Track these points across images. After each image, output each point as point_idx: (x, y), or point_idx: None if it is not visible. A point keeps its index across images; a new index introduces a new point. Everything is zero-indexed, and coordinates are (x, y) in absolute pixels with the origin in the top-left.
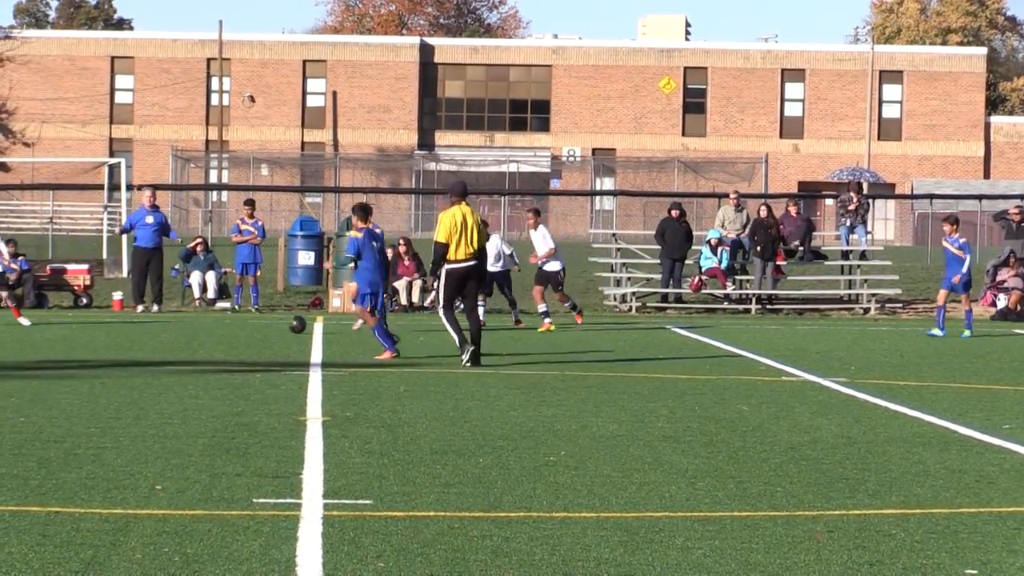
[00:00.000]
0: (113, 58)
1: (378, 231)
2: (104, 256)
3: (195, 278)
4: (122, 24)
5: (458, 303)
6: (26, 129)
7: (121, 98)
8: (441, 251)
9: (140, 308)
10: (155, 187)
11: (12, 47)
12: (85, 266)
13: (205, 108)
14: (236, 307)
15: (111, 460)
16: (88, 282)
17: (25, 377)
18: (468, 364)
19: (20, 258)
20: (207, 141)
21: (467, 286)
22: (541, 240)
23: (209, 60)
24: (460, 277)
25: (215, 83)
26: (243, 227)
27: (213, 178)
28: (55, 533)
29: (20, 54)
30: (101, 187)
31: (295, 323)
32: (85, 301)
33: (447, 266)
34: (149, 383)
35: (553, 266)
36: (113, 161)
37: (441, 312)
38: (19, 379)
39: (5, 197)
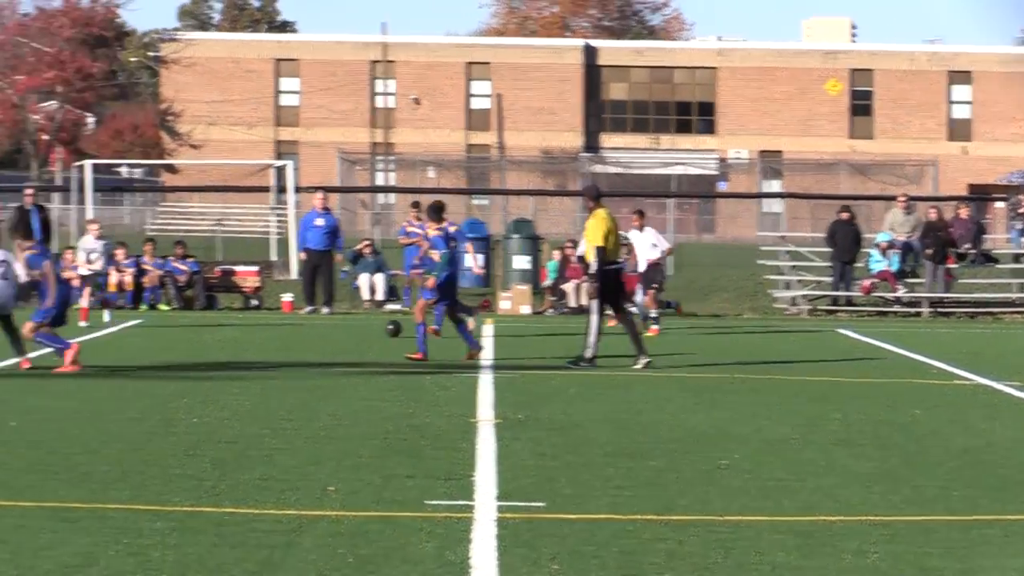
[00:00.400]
0: (278, 60)
1: (452, 229)
2: (273, 258)
3: (363, 280)
4: (285, 26)
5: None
6: (193, 131)
7: (286, 100)
8: (601, 254)
9: (309, 310)
10: (325, 190)
11: (177, 50)
12: (255, 268)
13: (370, 110)
14: (407, 309)
15: (284, 461)
16: (258, 284)
17: (197, 379)
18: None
19: (190, 260)
20: (372, 143)
21: (616, 287)
22: (648, 241)
23: (373, 62)
24: (613, 279)
25: (380, 85)
26: (410, 229)
27: (380, 180)
28: (230, 534)
29: (185, 57)
30: (268, 189)
31: (390, 327)
32: (255, 303)
33: (608, 268)
34: (320, 385)
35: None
36: (280, 163)
37: (595, 314)
38: (192, 380)
39: (173, 199)
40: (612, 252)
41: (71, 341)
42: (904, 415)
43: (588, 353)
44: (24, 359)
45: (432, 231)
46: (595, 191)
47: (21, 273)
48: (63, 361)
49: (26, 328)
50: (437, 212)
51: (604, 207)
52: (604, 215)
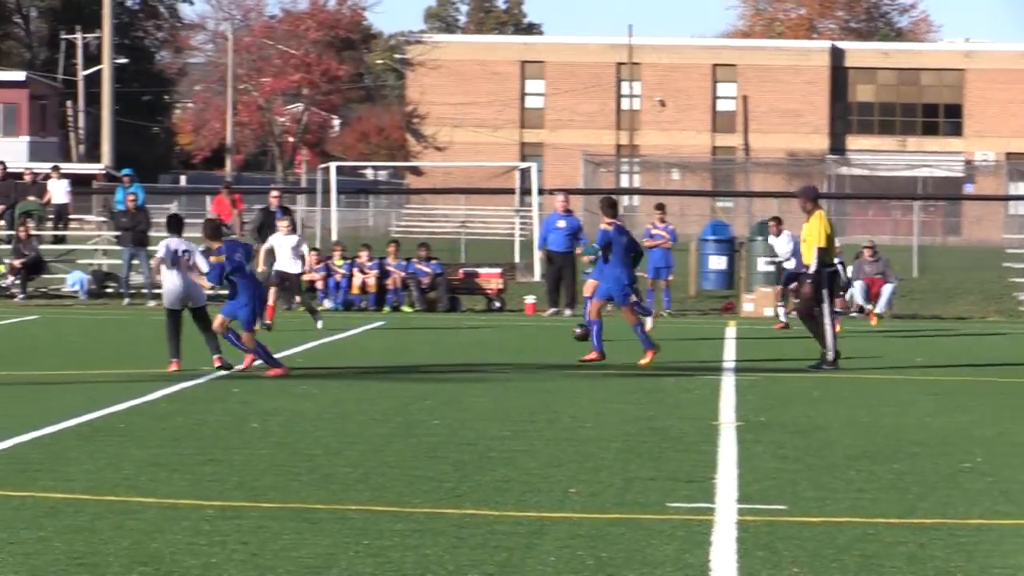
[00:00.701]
0: (523, 63)
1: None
2: (516, 260)
3: None
4: (531, 28)
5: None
6: (438, 133)
7: (532, 103)
8: (823, 255)
9: (552, 312)
10: (567, 191)
11: (423, 52)
12: (498, 270)
13: (615, 112)
14: (648, 311)
15: (525, 463)
16: (501, 286)
17: (439, 380)
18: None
19: (433, 262)
20: (617, 146)
21: (832, 289)
22: (785, 245)
23: (619, 64)
24: (829, 280)
25: (625, 87)
26: (654, 232)
27: (624, 182)
28: (470, 535)
29: (431, 59)
30: (512, 191)
31: (578, 331)
32: (498, 305)
33: (826, 269)
34: (561, 386)
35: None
36: (525, 165)
37: (825, 315)
38: (434, 382)
39: (418, 201)
40: (830, 254)
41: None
42: None
43: (830, 355)
44: (217, 357)
45: (604, 225)
46: (814, 192)
47: (202, 265)
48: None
49: (217, 322)
50: (611, 207)
51: (822, 209)
52: (824, 216)
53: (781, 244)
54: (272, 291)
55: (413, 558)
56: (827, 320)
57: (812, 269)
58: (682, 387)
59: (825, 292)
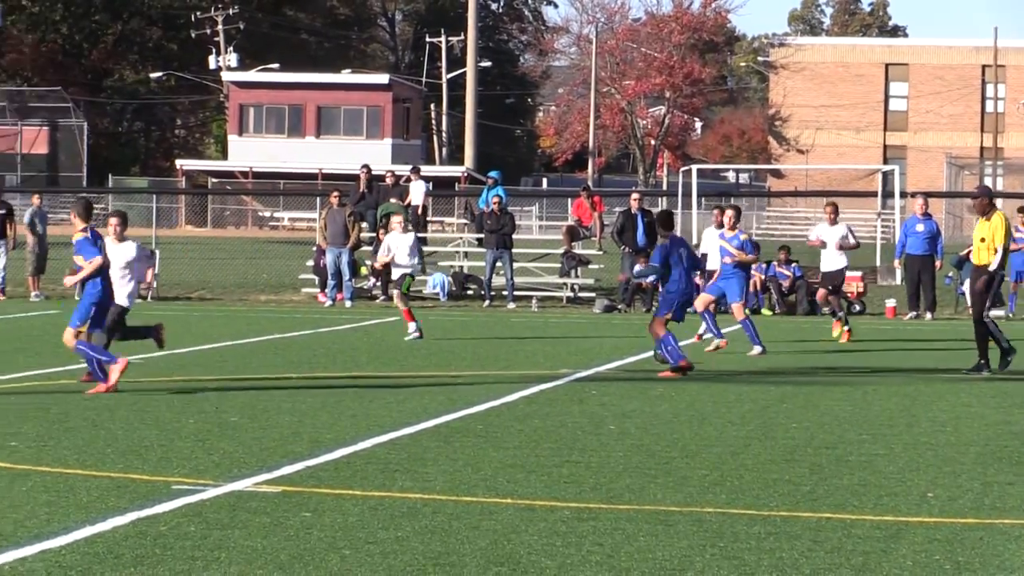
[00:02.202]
0: (887, 65)
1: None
2: (877, 263)
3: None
4: (896, 31)
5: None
6: (800, 136)
7: (895, 105)
8: (1004, 256)
9: (911, 316)
10: (927, 195)
11: (787, 55)
12: (858, 273)
13: (979, 115)
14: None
15: (882, 467)
16: (861, 289)
17: (798, 383)
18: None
19: (793, 264)
20: (981, 148)
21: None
22: (838, 236)
23: (983, 67)
24: (998, 282)
25: (989, 90)
26: (1016, 234)
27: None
28: (826, 539)
29: (794, 61)
30: (874, 194)
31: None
32: (858, 308)
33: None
34: (921, 391)
35: (836, 264)
36: (887, 168)
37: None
38: (792, 385)
39: (778, 203)
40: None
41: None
42: None
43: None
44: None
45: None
46: (990, 192)
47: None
48: None
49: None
50: (667, 222)
51: (998, 209)
52: (1004, 217)
53: (834, 234)
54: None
55: (769, 561)
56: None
57: (993, 267)
58: None
59: (988, 287)
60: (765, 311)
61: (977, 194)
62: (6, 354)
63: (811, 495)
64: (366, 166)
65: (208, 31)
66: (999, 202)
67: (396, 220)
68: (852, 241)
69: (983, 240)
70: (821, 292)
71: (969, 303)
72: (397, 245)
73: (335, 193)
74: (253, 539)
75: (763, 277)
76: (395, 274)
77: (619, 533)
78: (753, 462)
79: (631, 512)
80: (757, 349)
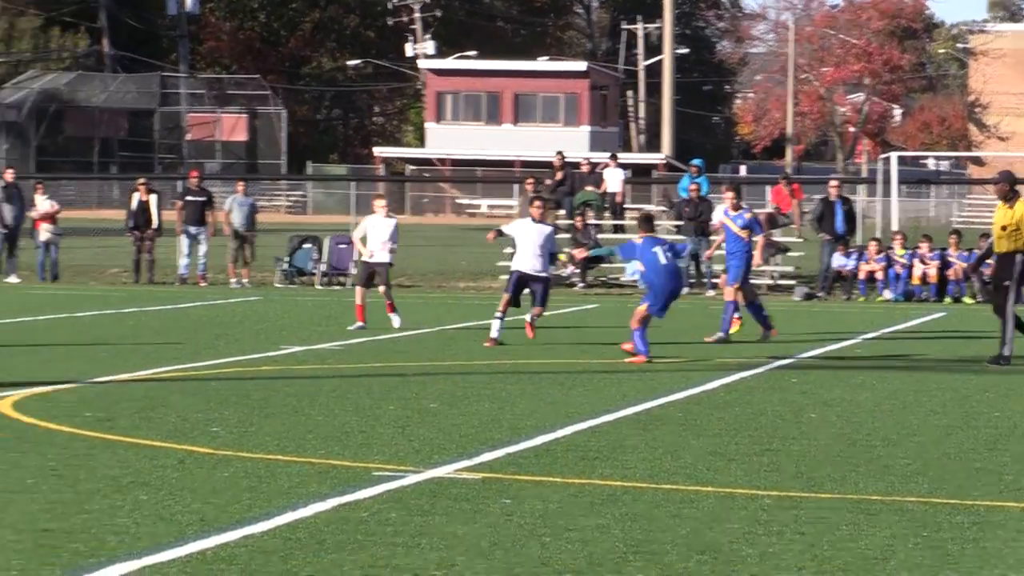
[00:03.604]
0: None
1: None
2: None
3: None
4: None
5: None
6: (1000, 123)
7: None
8: None
9: None
10: None
11: (986, 41)
12: None
13: None
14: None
15: None
16: None
17: (1001, 372)
18: None
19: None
20: None
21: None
22: None
23: None
24: None
25: None
26: None
27: None
28: None
29: (994, 48)
30: None
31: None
32: None
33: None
34: None
35: None
36: None
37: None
38: (995, 374)
39: (979, 191)
40: None
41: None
42: None
43: (1006, 351)
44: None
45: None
46: (1012, 177)
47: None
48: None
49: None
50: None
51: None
52: None
53: None
54: None
55: (972, 551)
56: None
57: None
58: None
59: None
60: (967, 299)
61: (998, 179)
62: (207, 340)
63: (1014, 484)
64: (560, 153)
65: (405, 18)
66: None
67: (379, 204)
68: None
69: (1004, 228)
70: None
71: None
72: (375, 227)
73: (529, 180)
74: (454, 525)
75: (965, 265)
76: (366, 256)
77: (821, 522)
78: (955, 451)
79: (833, 501)
80: (719, 335)
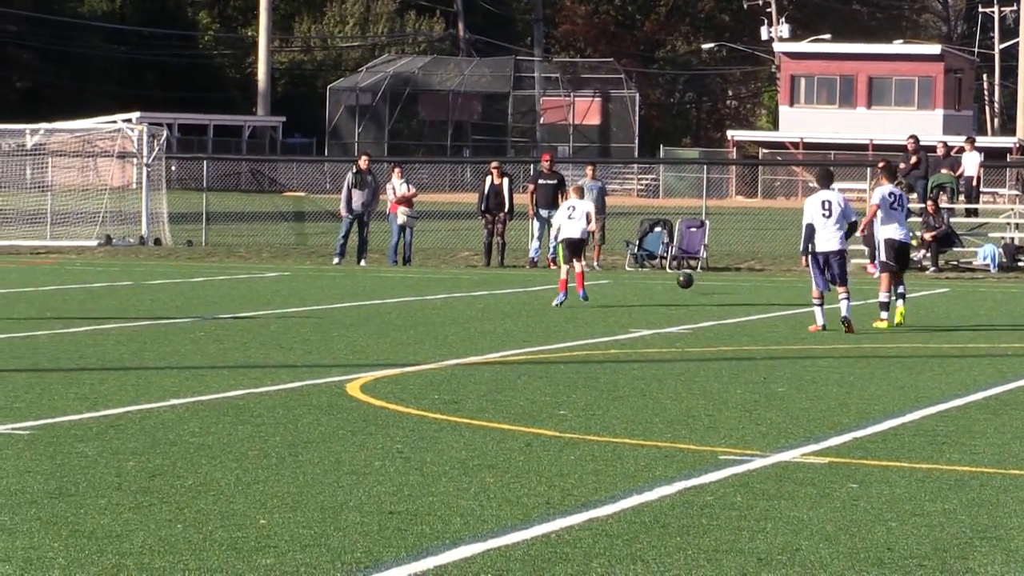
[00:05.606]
0: None
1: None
2: None
3: None
4: None
5: None
6: None
7: None
8: None
9: None
10: None
11: None
12: None
13: None
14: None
15: None
16: None
17: None
18: None
19: None
20: None
21: None
22: None
23: None
24: None
25: None
26: None
27: None
28: None
29: None
30: None
31: (681, 279)
32: None
33: None
34: None
35: None
36: None
37: None
38: None
39: None
40: None
41: None
42: None
43: None
44: None
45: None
46: None
47: None
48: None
49: None
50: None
51: None
52: None
53: None
54: None
55: None
56: None
57: None
58: None
59: None
60: None
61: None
62: (557, 324)
63: None
64: (913, 136)
65: (760, 2)
66: None
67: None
68: None
69: None
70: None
71: None
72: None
73: (881, 163)
74: (799, 510)
75: None
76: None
77: None
78: None
79: None
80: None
